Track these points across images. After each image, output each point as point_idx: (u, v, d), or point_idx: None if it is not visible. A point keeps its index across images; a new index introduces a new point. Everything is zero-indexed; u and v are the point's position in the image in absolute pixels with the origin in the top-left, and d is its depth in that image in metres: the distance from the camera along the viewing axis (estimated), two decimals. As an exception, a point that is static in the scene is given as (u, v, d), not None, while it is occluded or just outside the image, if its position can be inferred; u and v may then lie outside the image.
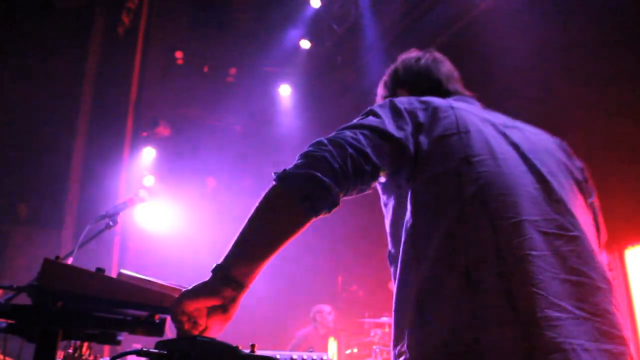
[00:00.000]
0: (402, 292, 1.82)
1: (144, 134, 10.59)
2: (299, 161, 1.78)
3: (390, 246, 2.02)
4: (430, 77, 2.44)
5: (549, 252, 1.68)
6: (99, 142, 10.59)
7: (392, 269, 2.01)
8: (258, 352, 1.50)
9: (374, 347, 6.87)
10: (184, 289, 1.73)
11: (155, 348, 1.59)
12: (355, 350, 7.76)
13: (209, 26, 10.87)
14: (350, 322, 8.06)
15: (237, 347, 1.46)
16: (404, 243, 1.85)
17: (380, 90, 2.56)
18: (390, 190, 2.02)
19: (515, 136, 2.00)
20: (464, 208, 1.74)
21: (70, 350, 2.92)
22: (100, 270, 1.79)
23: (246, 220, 1.80)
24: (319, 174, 1.72)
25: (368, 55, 9.59)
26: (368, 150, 1.80)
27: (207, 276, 1.79)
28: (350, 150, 1.78)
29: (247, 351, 1.47)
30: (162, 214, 8.77)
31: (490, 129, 1.98)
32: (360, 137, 1.82)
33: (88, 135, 11.18)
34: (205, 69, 10.87)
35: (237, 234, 1.77)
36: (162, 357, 1.51)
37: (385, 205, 2.07)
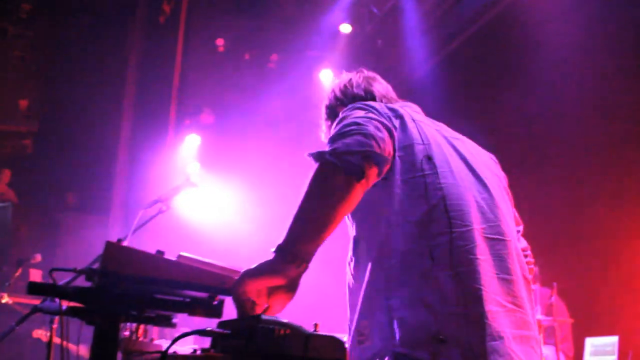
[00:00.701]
0: (371, 275, 2.03)
1: (188, 121, 10.69)
2: (349, 139, 1.94)
3: (354, 231, 2.21)
4: (367, 96, 2.54)
5: (491, 255, 2.02)
6: (144, 130, 10.71)
7: (353, 251, 2.20)
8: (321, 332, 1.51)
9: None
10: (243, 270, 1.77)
11: (218, 328, 1.62)
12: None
13: (250, 13, 10.88)
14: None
15: (301, 327, 1.47)
16: (370, 229, 2.11)
17: (324, 126, 2.75)
18: None
19: (461, 148, 2.25)
20: (430, 212, 2.00)
21: (127, 333, 2.98)
22: (160, 253, 1.82)
23: (302, 200, 1.92)
24: (376, 151, 1.95)
25: (408, 38, 9.51)
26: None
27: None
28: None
29: (311, 330, 1.48)
30: (206, 200, 8.85)
31: (444, 140, 2.23)
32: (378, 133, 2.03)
33: (133, 124, 11.32)
34: (247, 56, 10.91)
35: (296, 213, 1.89)
36: (226, 337, 1.53)
37: None
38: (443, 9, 9.08)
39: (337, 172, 1.88)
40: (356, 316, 2.05)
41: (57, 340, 3.95)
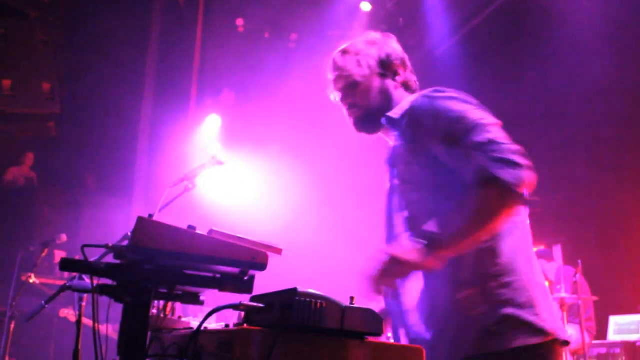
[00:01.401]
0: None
1: (209, 101, 10.69)
2: (517, 172, 2.02)
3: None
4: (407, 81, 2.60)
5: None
6: (165, 111, 10.73)
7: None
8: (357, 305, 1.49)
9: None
10: (280, 249, 1.79)
11: (252, 302, 1.61)
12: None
13: (269, -8, 10.82)
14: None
15: (337, 300, 1.46)
16: None
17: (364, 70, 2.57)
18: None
19: None
20: None
21: (155, 311, 2.99)
22: (192, 228, 1.81)
23: (475, 216, 2.03)
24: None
25: (429, 16, 9.42)
26: None
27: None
28: None
29: (347, 303, 1.47)
30: (228, 180, 8.87)
31: None
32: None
33: (154, 105, 11.35)
34: (266, 35, 10.87)
35: (465, 225, 2.03)
36: (262, 310, 1.52)
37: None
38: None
39: (512, 198, 2.02)
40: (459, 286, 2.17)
41: (85, 320, 4.00)
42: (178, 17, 11.62)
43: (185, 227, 1.83)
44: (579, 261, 6.20)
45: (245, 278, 1.87)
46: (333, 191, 9.44)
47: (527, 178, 2.00)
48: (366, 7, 9.91)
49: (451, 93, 2.28)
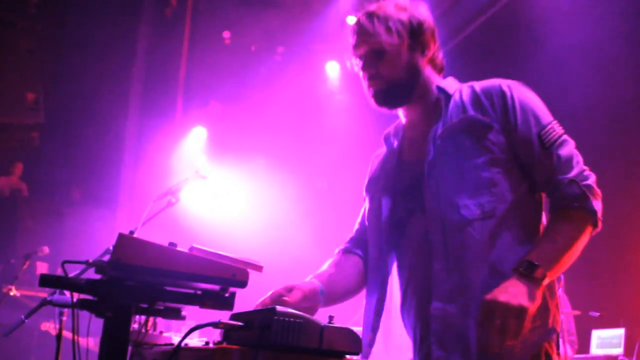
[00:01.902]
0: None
1: (194, 113, 10.69)
2: (600, 204, 2.06)
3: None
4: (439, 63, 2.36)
5: None
6: (150, 121, 10.72)
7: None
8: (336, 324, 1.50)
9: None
10: (260, 266, 1.77)
11: (231, 320, 1.61)
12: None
13: (256, 5, 10.86)
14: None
15: (315, 319, 1.47)
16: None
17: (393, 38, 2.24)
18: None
19: None
20: None
21: (135, 326, 2.97)
22: (172, 245, 1.81)
23: (566, 240, 1.99)
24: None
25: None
26: None
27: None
28: None
29: (326, 322, 1.47)
30: (213, 193, 8.85)
31: None
32: None
33: (139, 116, 11.33)
34: (253, 48, 10.90)
35: (563, 251, 1.97)
36: (240, 329, 1.52)
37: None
38: (449, 1, 9.05)
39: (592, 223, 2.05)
40: None
41: (66, 333, 3.97)
42: (164, 29, 11.62)
43: (166, 243, 1.83)
44: (561, 276, 6.23)
45: (226, 295, 1.87)
46: (319, 205, 9.46)
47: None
48: (352, 20, 9.94)
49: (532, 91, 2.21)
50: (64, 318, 3.78)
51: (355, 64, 2.30)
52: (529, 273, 1.84)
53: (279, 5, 10.80)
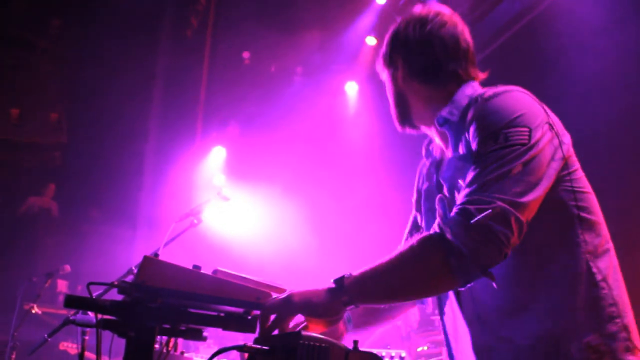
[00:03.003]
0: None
1: (214, 134, 10.75)
2: (487, 248, 1.64)
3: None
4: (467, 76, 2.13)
5: None
6: (170, 141, 10.80)
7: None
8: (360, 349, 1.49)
9: (447, 345, 6.77)
10: (284, 289, 1.76)
11: (255, 344, 1.61)
12: (426, 347, 7.67)
13: (275, 26, 10.95)
14: (421, 319, 7.98)
15: (340, 343, 1.46)
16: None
17: (385, 73, 2.22)
18: None
19: None
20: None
21: (157, 346, 2.98)
22: (197, 267, 1.82)
23: (395, 261, 1.74)
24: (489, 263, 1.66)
25: (434, 50, 9.47)
26: None
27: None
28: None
29: (351, 347, 1.47)
30: (232, 213, 8.86)
31: None
32: None
33: (159, 136, 11.42)
34: (272, 69, 10.98)
35: (378, 269, 1.76)
36: (265, 353, 1.52)
37: None
38: (470, 19, 9.06)
39: (446, 254, 1.67)
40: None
41: (87, 353, 3.99)
42: (185, 49, 11.74)
43: (190, 265, 1.84)
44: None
45: (249, 317, 1.87)
46: (339, 225, 9.43)
47: (491, 258, 1.64)
48: (371, 41, 9.99)
49: (514, 90, 1.93)
50: (86, 337, 3.80)
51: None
52: (336, 283, 1.77)
53: (298, 26, 10.88)
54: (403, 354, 4.20)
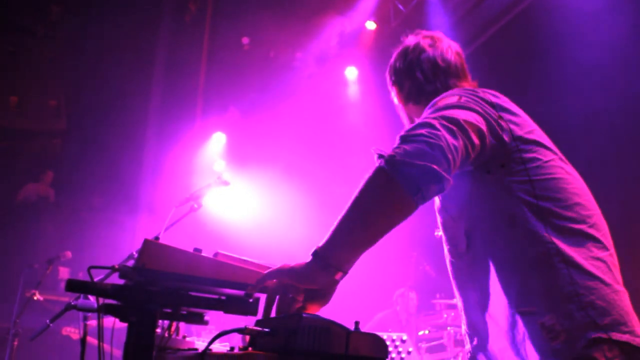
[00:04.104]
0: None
1: (214, 119, 10.74)
2: (411, 147, 1.72)
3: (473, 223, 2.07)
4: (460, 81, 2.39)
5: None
6: (170, 128, 10.79)
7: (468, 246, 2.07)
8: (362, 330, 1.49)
9: (448, 328, 6.81)
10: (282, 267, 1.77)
11: (256, 326, 1.61)
12: (427, 331, 7.70)
13: (274, 11, 10.90)
14: (422, 303, 8.01)
15: (342, 324, 1.46)
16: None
17: (395, 98, 2.52)
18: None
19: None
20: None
21: (159, 330, 2.99)
22: (197, 251, 1.82)
23: (349, 206, 1.78)
24: (435, 167, 1.70)
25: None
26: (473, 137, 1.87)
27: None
28: (461, 139, 1.81)
29: (352, 328, 1.47)
30: (232, 198, 8.87)
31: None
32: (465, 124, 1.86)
33: (159, 122, 11.41)
34: (271, 54, 10.94)
35: (339, 220, 1.78)
36: (266, 335, 1.52)
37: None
38: (467, 7, 9.02)
39: (392, 185, 1.71)
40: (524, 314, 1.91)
41: (88, 337, 3.99)
42: (184, 35, 11.70)
43: (191, 249, 1.84)
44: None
45: (250, 300, 1.87)
46: (339, 210, 9.44)
47: (415, 172, 1.69)
48: (371, 25, 9.96)
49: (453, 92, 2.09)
50: (88, 322, 3.81)
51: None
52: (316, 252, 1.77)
53: (297, 11, 10.83)
54: (404, 337, 4.21)
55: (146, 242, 1.75)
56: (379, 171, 1.74)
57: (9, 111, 11.83)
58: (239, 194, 9.00)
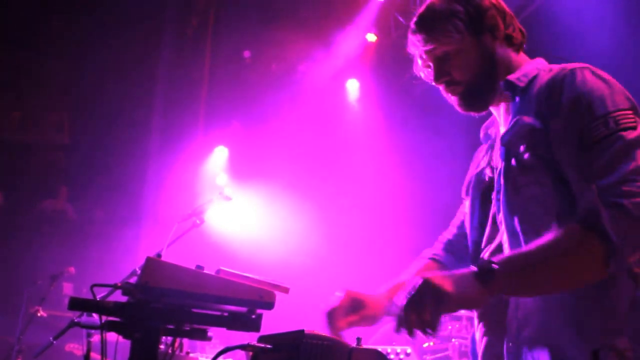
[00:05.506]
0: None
1: (216, 133, 10.75)
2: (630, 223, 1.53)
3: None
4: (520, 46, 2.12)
5: None
6: (172, 142, 10.80)
7: None
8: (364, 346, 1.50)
9: (453, 340, 6.79)
10: (287, 287, 1.76)
11: (259, 342, 1.62)
12: (432, 343, 7.67)
13: (275, 24, 10.93)
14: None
15: (344, 341, 1.47)
16: None
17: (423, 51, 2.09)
18: None
19: None
20: None
21: (162, 347, 2.99)
22: (200, 268, 1.83)
23: (543, 254, 1.62)
24: None
25: (435, 46, 9.44)
26: None
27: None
28: None
29: (354, 344, 1.47)
30: (235, 212, 8.87)
31: None
32: None
33: (161, 136, 11.43)
34: (273, 67, 10.96)
35: (526, 259, 1.64)
36: (269, 351, 1.53)
37: None
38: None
39: (605, 255, 1.55)
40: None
41: (93, 354, 4.00)
42: (186, 49, 11.74)
43: (192, 265, 1.85)
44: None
45: (253, 316, 1.88)
46: (342, 224, 9.42)
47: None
48: (371, 38, 9.98)
49: (605, 76, 1.81)
50: (92, 339, 3.81)
51: (426, 77, 2.14)
52: (481, 270, 1.60)
53: (298, 24, 10.87)
54: (408, 351, 4.20)
55: (148, 260, 1.76)
56: (587, 236, 1.59)
57: (11, 125, 11.86)
58: (241, 209, 9.00)
